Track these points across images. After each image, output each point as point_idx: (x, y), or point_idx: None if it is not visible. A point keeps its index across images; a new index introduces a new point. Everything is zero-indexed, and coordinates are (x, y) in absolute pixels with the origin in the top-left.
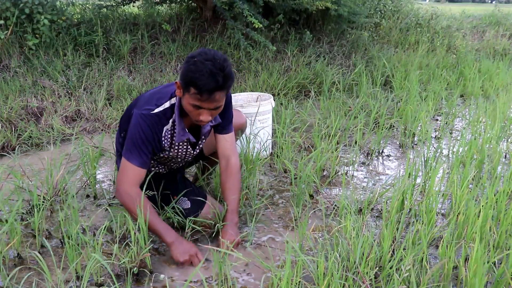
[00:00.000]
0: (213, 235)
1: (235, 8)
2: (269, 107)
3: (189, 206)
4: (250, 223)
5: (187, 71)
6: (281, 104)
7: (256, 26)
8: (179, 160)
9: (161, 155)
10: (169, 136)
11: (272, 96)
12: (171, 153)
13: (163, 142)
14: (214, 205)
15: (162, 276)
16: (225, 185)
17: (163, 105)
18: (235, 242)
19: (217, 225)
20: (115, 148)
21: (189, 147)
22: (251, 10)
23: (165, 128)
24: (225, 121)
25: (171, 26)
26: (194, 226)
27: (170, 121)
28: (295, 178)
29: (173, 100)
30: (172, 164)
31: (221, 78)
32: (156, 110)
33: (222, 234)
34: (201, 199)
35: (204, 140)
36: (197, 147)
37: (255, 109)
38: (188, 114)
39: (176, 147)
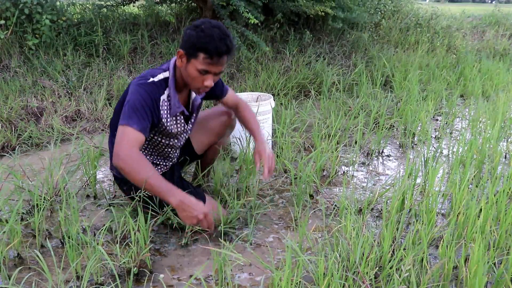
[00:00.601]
0: (213, 235)
1: (231, 5)
2: (268, 107)
3: None
4: (250, 223)
5: (196, 38)
6: (281, 104)
7: (252, 22)
8: (175, 137)
9: (161, 128)
10: (165, 107)
11: (272, 96)
12: (167, 127)
13: (161, 112)
14: (214, 206)
15: (162, 276)
16: (246, 120)
17: (157, 77)
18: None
19: (219, 226)
20: (109, 151)
21: (182, 120)
22: (247, 7)
23: (162, 98)
24: (219, 87)
25: (171, 26)
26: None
27: (166, 91)
28: (295, 178)
29: (167, 74)
30: (169, 149)
31: (229, 43)
32: (152, 80)
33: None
34: (201, 197)
35: (196, 115)
36: (190, 122)
37: (255, 109)
38: (189, 83)
39: (173, 120)
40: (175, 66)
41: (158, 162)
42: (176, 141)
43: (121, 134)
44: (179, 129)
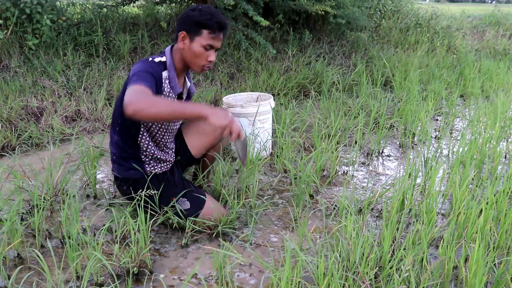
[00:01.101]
0: (214, 235)
1: (239, 9)
2: (268, 107)
3: (189, 207)
4: (250, 223)
5: (197, 17)
6: (281, 104)
7: (263, 24)
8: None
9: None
10: (166, 85)
11: (272, 96)
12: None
13: (162, 88)
14: (215, 205)
15: (162, 276)
16: None
17: (156, 59)
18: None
19: (219, 227)
20: (112, 163)
21: (175, 97)
22: (248, 6)
23: (163, 74)
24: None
25: (171, 26)
26: (194, 226)
27: (165, 72)
28: (295, 178)
29: (164, 58)
30: (165, 135)
31: (225, 18)
32: (155, 60)
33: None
34: (201, 197)
35: (191, 99)
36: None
37: (255, 109)
38: (192, 63)
39: (167, 94)
40: (171, 52)
41: (159, 157)
42: (171, 124)
43: (132, 90)
44: (174, 124)
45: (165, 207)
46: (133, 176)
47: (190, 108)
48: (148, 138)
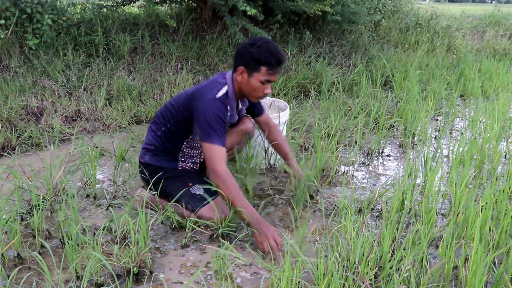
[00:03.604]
0: (214, 236)
1: (230, 1)
2: (284, 119)
3: (202, 193)
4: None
5: (256, 54)
6: None
7: (250, 13)
8: None
9: None
10: (228, 117)
11: (287, 105)
12: None
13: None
14: (220, 205)
15: (162, 276)
16: (278, 146)
17: (220, 91)
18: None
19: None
20: (142, 151)
21: (228, 127)
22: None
23: (228, 108)
24: (259, 104)
25: (171, 26)
26: (194, 226)
27: (228, 106)
28: (295, 178)
29: (226, 88)
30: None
31: (283, 53)
32: (220, 95)
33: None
34: (215, 189)
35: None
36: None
37: (276, 120)
38: (249, 94)
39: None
40: (232, 80)
41: (194, 160)
42: None
43: (210, 152)
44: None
45: (178, 191)
46: (165, 165)
47: (250, 216)
48: (190, 148)
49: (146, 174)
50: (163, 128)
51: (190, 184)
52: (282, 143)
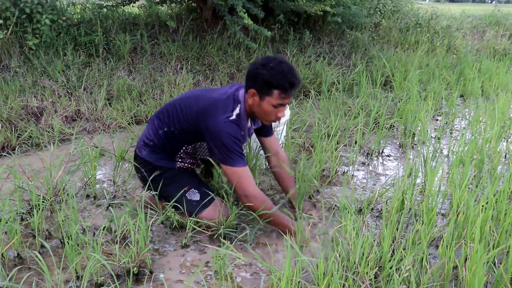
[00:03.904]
0: (215, 236)
1: (228, 1)
2: (283, 120)
3: (198, 199)
4: (249, 224)
5: (268, 77)
6: None
7: (246, 22)
8: None
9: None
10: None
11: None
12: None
13: None
14: (221, 207)
15: (162, 276)
16: (281, 177)
17: (234, 111)
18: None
19: (220, 229)
20: (140, 143)
21: None
22: (246, 4)
23: (241, 129)
24: (267, 125)
25: (171, 26)
26: (194, 226)
27: (240, 127)
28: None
29: (239, 108)
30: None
31: (297, 74)
32: (234, 116)
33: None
34: (211, 194)
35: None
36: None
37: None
38: (261, 117)
39: None
40: (244, 99)
41: (193, 162)
42: None
43: (236, 176)
44: None
45: (174, 194)
46: (162, 165)
47: (284, 226)
48: (190, 149)
49: (143, 170)
50: (165, 129)
51: (187, 188)
52: (286, 175)
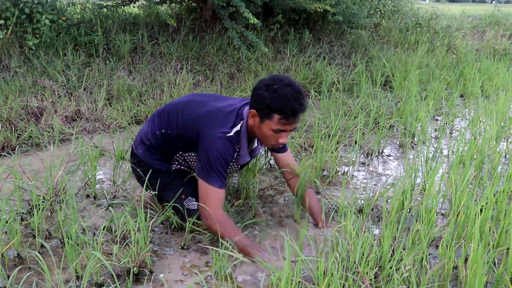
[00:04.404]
0: (215, 237)
1: (231, 6)
2: None
3: (195, 208)
4: (249, 224)
5: (270, 99)
6: None
7: (252, 22)
8: None
9: None
10: (235, 158)
11: None
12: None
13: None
14: None
15: (161, 275)
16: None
17: (234, 129)
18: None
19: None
20: (138, 139)
21: (238, 166)
22: (248, 7)
23: (235, 154)
24: None
25: (171, 26)
26: (194, 227)
27: (237, 146)
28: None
29: (240, 125)
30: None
31: (303, 100)
32: (232, 133)
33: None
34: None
35: (253, 158)
36: (244, 167)
37: None
38: (262, 140)
39: (234, 166)
40: (247, 117)
41: (190, 165)
42: None
43: (205, 193)
44: (234, 171)
45: (170, 201)
46: (158, 167)
47: (249, 251)
48: (181, 159)
49: (139, 170)
50: (163, 130)
51: (183, 196)
52: (310, 198)
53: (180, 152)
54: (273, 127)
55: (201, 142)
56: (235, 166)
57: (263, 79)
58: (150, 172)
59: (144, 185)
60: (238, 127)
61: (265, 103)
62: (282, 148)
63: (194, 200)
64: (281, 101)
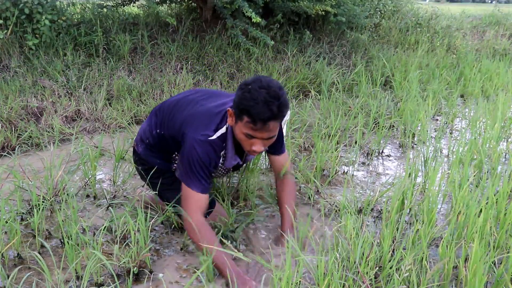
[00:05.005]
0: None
1: (234, 5)
2: (285, 118)
3: None
4: (249, 224)
5: (241, 99)
6: None
7: (255, 21)
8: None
9: None
10: (221, 161)
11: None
12: (214, 173)
13: (218, 163)
14: (220, 211)
15: (160, 275)
16: (281, 201)
17: (218, 132)
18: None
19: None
20: (138, 137)
21: (230, 170)
22: (250, 7)
23: (220, 155)
24: (276, 143)
25: (171, 26)
26: None
27: (223, 149)
28: (295, 179)
29: (225, 128)
30: None
31: (276, 107)
32: (214, 137)
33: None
34: (210, 201)
35: (247, 164)
36: (239, 170)
37: None
38: (239, 143)
39: (220, 170)
40: None
41: None
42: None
43: (184, 197)
44: (224, 173)
45: (171, 201)
46: (158, 166)
47: (222, 268)
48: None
49: (140, 168)
50: (158, 130)
51: None
52: (287, 200)
53: (176, 152)
54: (243, 130)
55: (183, 144)
56: (222, 169)
57: (249, 78)
58: (152, 171)
59: (146, 181)
60: (223, 129)
61: (237, 102)
62: (277, 150)
63: None
64: (249, 103)
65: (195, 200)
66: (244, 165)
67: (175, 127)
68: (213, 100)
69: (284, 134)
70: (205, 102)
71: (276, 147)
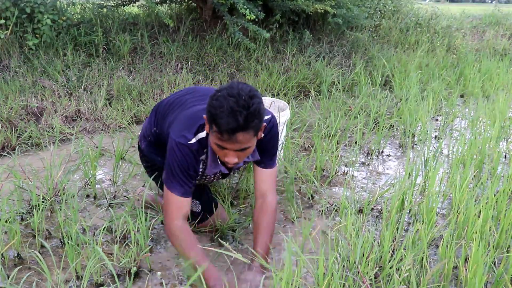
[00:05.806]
0: (216, 237)
1: (229, 0)
2: (284, 119)
3: (199, 211)
4: (250, 224)
5: (209, 107)
6: None
7: (249, 18)
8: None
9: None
10: (202, 166)
11: (287, 105)
12: (201, 181)
13: (200, 171)
14: (221, 213)
15: (159, 273)
16: (257, 225)
17: (199, 135)
18: None
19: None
20: (141, 133)
21: (220, 177)
22: (246, 4)
23: (201, 158)
24: (265, 157)
25: (171, 26)
26: (194, 229)
27: (204, 153)
28: (295, 179)
29: (205, 132)
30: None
31: (242, 118)
32: (193, 140)
33: (239, 280)
34: (213, 204)
35: (237, 170)
36: (228, 177)
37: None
38: None
39: (208, 176)
40: None
41: None
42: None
43: (165, 200)
44: (213, 180)
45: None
46: (159, 163)
47: (203, 272)
48: None
49: (143, 165)
50: (155, 128)
51: None
52: (263, 226)
53: None
54: (214, 140)
55: (167, 145)
56: (206, 177)
57: (222, 85)
58: (153, 168)
59: (151, 178)
60: (203, 134)
61: (207, 111)
62: (263, 162)
63: (198, 202)
64: (216, 111)
65: (175, 204)
66: (244, 166)
67: (164, 128)
68: (205, 102)
69: (284, 134)
70: (197, 103)
71: (264, 160)
